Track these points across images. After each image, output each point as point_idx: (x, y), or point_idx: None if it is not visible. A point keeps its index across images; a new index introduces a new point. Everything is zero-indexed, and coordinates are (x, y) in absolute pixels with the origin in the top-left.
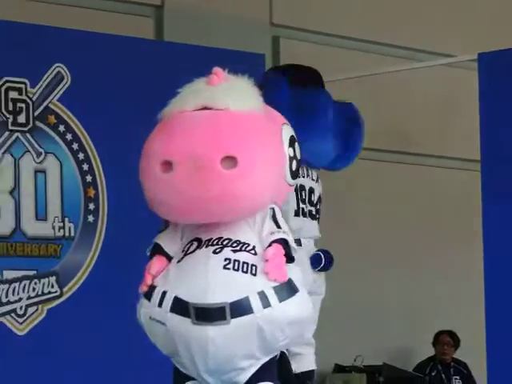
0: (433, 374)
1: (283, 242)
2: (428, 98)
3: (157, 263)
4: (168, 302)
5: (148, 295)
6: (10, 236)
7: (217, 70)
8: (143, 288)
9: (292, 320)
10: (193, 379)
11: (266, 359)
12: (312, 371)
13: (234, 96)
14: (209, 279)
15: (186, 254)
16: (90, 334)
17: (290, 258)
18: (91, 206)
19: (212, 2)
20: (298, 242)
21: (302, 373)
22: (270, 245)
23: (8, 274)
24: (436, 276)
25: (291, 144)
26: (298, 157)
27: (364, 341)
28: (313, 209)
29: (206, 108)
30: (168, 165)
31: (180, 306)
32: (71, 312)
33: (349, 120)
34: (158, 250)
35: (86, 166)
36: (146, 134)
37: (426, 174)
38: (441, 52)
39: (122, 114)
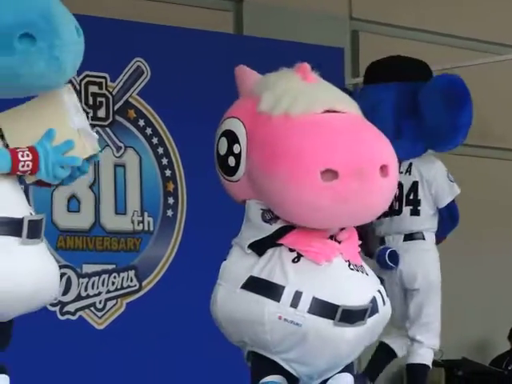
0: (509, 368)
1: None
2: (510, 91)
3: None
4: (305, 303)
5: (272, 294)
6: (89, 230)
7: (306, 66)
8: (333, 256)
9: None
10: (274, 373)
11: None
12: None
13: (346, 99)
14: (347, 281)
15: (301, 255)
16: (169, 327)
17: (360, 238)
18: (170, 201)
19: None
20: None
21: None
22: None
23: (87, 268)
24: None
25: None
26: None
27: (442, 335)
28: (395, 204)
29: (329, 111)
30: (330, 173)
31: (322, 308)
32: (150, 306)
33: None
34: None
35: (165, 161)
36: None
37: (507, 169)
38: None
39: (202, 108)
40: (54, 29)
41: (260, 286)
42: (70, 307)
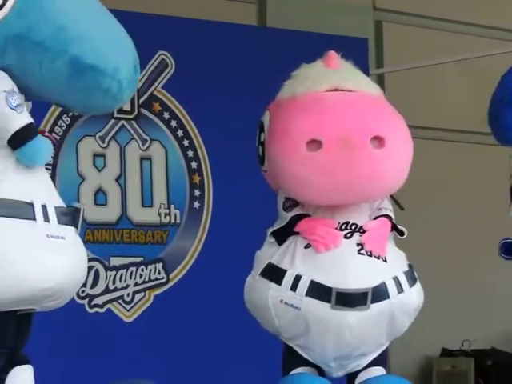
0: None
1: (390, 219)
2: None
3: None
4: (304, 286)
5: (276, 279)
6: (116, 223)
7: (333, 53)
8: (334, 244)
9: (418, 306)
10: (305, 365)
11: (387, 345)
12: None
13: (363, 80)
14: (348, 265)
15: None
16: (197, 319)
17: (399, 233)
18: (196, 193)
19: None
20: None
21: None
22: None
23: (115, 261)
24: None
25: None
26: None
27: (471, 325)
28: None
29: (337, 89)
30: (315, 143)
31: (318, 291)
32: (178, 298)
33: None
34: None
35: (190, 153)
36: (250, 119)
37: None
38: None
39: (226, 100)
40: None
41: (270, 272)
42: (99, 300)
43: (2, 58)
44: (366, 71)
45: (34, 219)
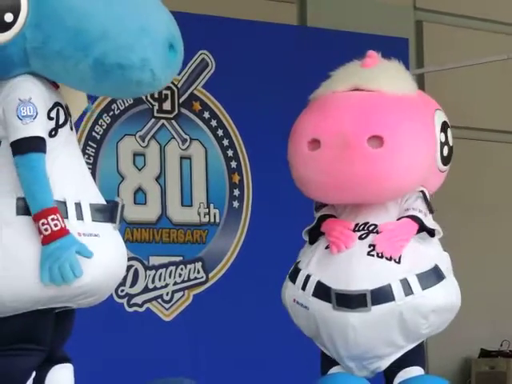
0: None
1: (416, 220)
2: None
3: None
4: (311, 286)
5: (293, 277)
6: (156, 222)
7: (371, 53)
8: (346, 245)
9: (437, 307)
10: (339, 364)
11: (411, 346)
12: None
13: (387, 78)
14: (352, 265)
15: None
16: (236, 319)
17: (429, 233)
18: (236, 192)
19: None
20: None
21: None
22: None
23: (154, 260)
24: None
25: (443, 129)
26: (451, 143)
27: (510, 325)
28: None
29: (357, 89)
30: (316, 143)
31: (322, 291)
32: (217, 297)
33: None
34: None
35: (230, 152)
36: (289, 119)
37: None
38: None
39: (266, 99)
40: (180, 39)
41: (292, 271)
42: (138, 299)
43: (28, 66)
44: None
45: (67, 217)
